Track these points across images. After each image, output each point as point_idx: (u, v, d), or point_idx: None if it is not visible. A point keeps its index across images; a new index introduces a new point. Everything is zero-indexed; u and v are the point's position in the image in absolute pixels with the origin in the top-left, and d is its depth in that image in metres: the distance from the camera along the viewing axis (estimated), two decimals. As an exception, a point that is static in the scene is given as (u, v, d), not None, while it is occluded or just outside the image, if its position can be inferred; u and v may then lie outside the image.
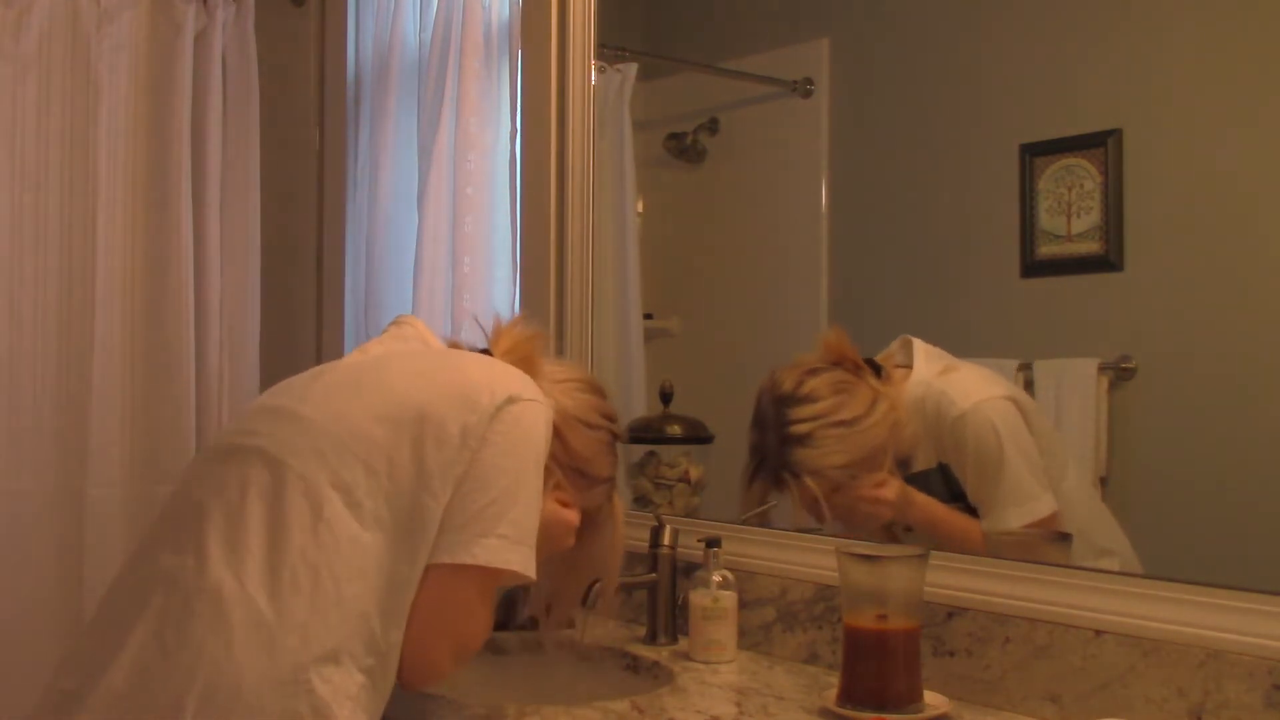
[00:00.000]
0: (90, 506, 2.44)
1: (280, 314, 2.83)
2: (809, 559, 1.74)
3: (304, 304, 2.87)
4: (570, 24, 2.19)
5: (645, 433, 2.08)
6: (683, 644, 1.80)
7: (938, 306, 1.79)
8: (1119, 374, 1.57)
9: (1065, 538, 1.58)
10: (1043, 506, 1.61)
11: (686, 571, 1.83)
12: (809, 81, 2.01)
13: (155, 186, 2.55)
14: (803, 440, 1.71)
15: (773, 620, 1.78)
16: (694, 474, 2.07)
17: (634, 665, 1.77)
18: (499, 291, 2.38)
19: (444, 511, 1.27)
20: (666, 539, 1.86)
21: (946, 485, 1.68)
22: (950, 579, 1.55)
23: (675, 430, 2.07)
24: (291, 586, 1.20)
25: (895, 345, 1.76)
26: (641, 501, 2.08)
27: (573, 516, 1.49)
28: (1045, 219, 1.64)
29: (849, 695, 1.44)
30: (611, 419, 1.56)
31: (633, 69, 2.26)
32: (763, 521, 1.83)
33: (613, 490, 1.59)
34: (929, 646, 1.54)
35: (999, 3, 1.77)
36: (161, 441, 2.52)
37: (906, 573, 1.44)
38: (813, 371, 1.74)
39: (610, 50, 2.22)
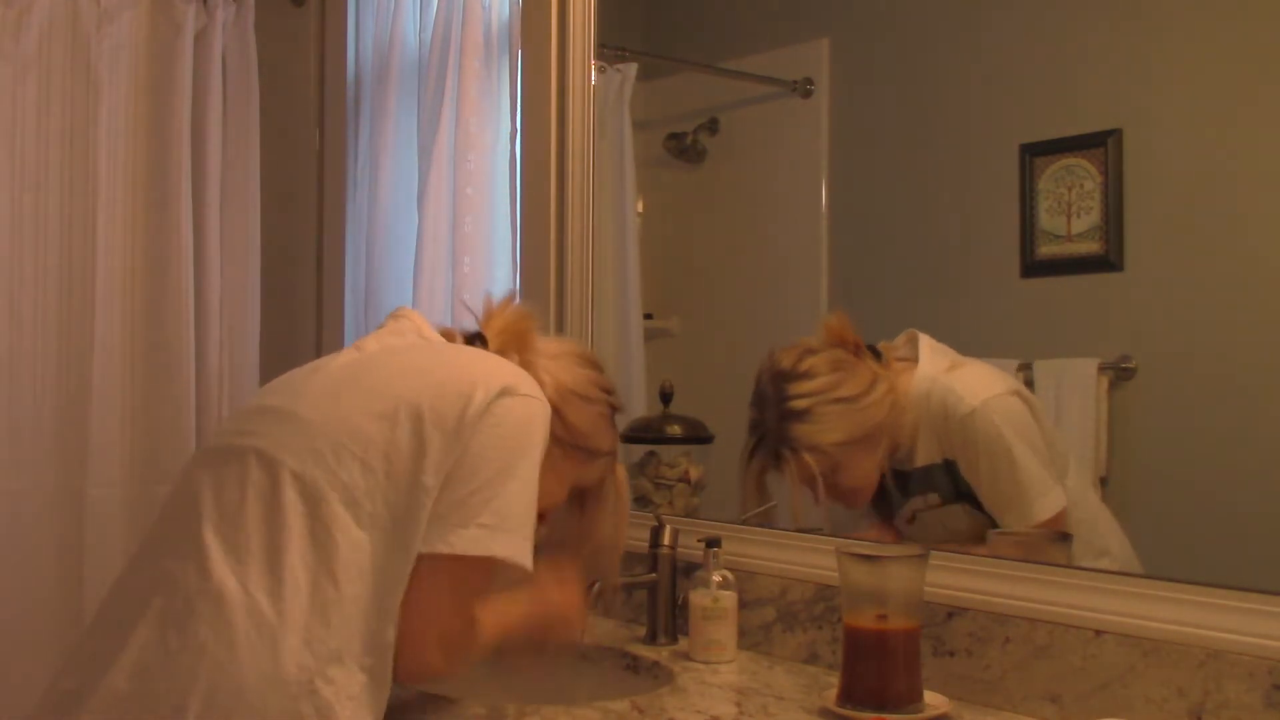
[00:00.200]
0: (90, 506, 2.45)
1: (280, 314, 2.83)
2: (809, 559, 1.74)
3: (304, 304, 2.87)
4: (570, 24, 2.19)
5: (645, 433, 2.08)
6: (683, 644, 1.80)
7: (938, 306, 1.79)
8: (1119, 374, 1.57)
9: (1065, 538, 1.58)
10: (1059, 499, 1.61)
11: (686, 571, 1.83)
12: (809, 81, 2.01)
13: (155, 186, 2.55)
14: (801, 415, 1.71)
15: (773, 620, 1.78)
16: (694, 474, 2.07)
17: (634, 665, 1.77)
18: (499, 292, 2.38)
19: (434, 502, 1.27)
20: (666, 539, 1.86)
21: (952, 482, 1.68)
22: (950, 579, 1.55)
23: (675, 430, 2.07)
24: (292, 587, 1.20)
25: (901, 339, 1.75)
26: (641, 501, 2.08)
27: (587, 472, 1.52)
28: (1045, 219, 1.64)
29: (849, 695, 1.44)
30: (609, 391, 1.56)
31: (633, 69, 2.26)
32: (763, 521, 1.83)
33: (614, 462, 1.59)
34: (929, 646, 1.54)
35: (999, 3, 1.77)
36: (161, 441, 2.52)
37: (906, 573, 1.44)
38: (812, 350, 1.74)
39: (610, 50, 2.22)
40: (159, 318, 2.54)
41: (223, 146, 2.65)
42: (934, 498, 1.71)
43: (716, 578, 1.76)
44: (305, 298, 2.87)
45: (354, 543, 1.23)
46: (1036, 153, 1.66)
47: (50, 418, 2.45)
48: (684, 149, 2.22)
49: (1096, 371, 1.58)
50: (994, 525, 1.64)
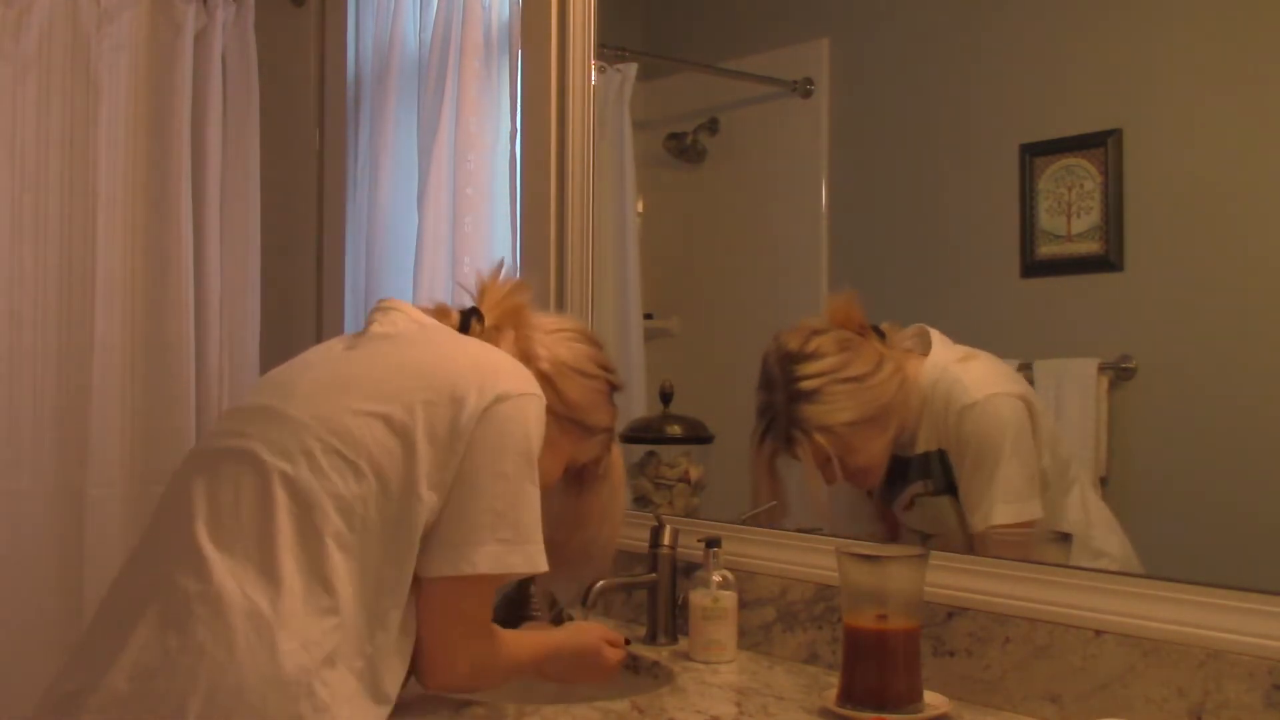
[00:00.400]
0: (90, 506, 2.45)
1: (280, 313, 2.83)
2: (809, 559, 1.74)
3: (304, 304, 2.87)
4: (570, 24, 2.19)
5: (645, 433, 2.08)
6: (683, 644, 1.80)
7: (938, 306, 1.79)
8: (1119, 374, 1.57)
9: (1065, 538, 1.58)
10: (1028, 510, 1.61)
11: (686, 571, 1.83)
12: (809, 81, 2.01)
13: (155, 186, 2.55)
14: (811, 396, 1.70)
15: (773, 620, 1.78)
16: (694, 474, 2.07)
17: (634, 665, 1.77)
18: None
19: (440, 517, 1.27)
20: (666, 539, 1.86)
21: (944, 472, 1.68)
22: (950, 579, 1.55)
23: (675, 430, 2.06)
24: (288, 590, 1.21)
25: (910, 330, 1.75)
26: (641, 501, 2.08)
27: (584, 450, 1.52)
28: (1045, 219, 1.64)
29: (849, 695, 1.44)
30: (608, 369, 1.55)
31: (633, 69, 2.26)
32: (764, 521, 1.83)
33: (611, 441, 1.59)
34: (929, 646, 1.54)
35: (999, 2, 1.76)
36: (161, 441, 2.52)
37: (906, 573, 1.44)
38: (818, 331, 1.74)
39: (610, 50, 2.22)
40: (159, 317, 2.55)
41: (223, 146, 2.66)
42: (927, 486, 1.70)
43: (716, 578, 1.75)
44: (305, 297, 2.87)
45: (345, 547, 1.24)
46: (1036, 153, 1.65)
47: (50, 418, 2.45)
48: (684, 149, 2.22)
49: (1096, 371, 1.58)
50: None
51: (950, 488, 1.67)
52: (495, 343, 1.46)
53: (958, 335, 1.72)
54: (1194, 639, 1.33)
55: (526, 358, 1.46)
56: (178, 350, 2.55)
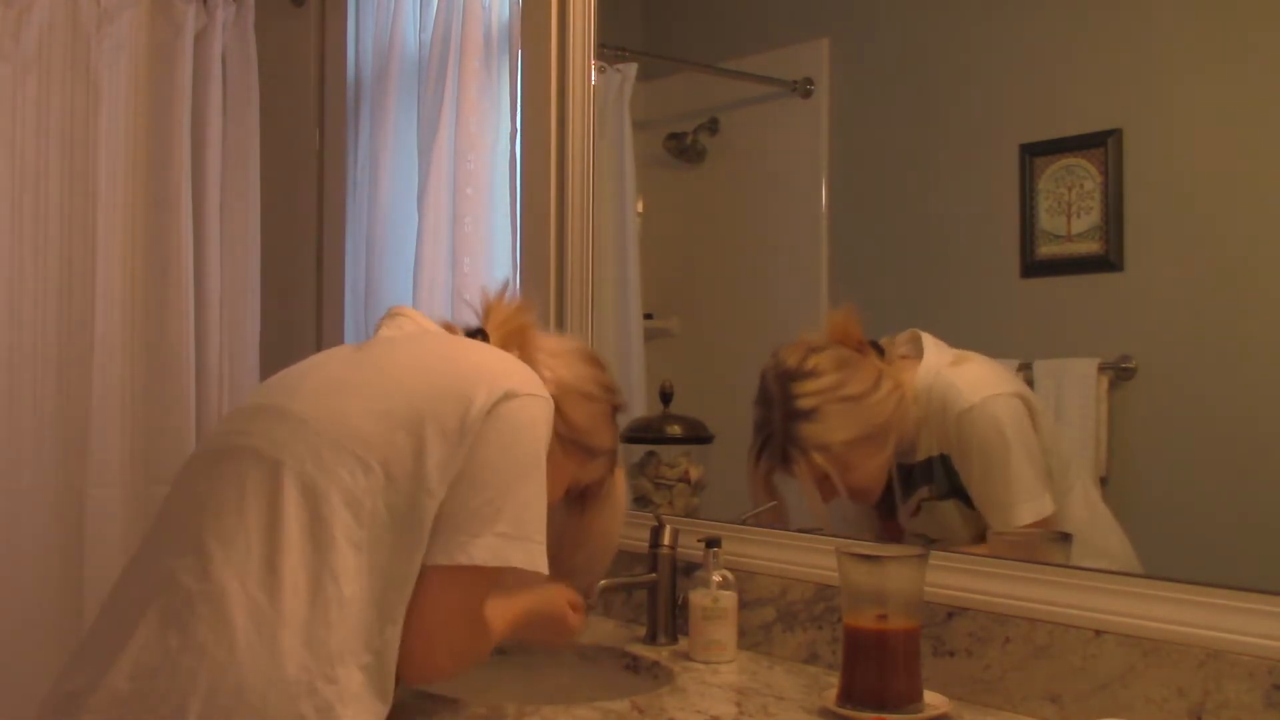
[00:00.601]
0: (90, 506, 2.45)
1: (280, 314, 2.83)
2: (809, 559, 1.74)
3: (304, 304, 2.87)
4: (570, 24, 2.19)
5: (645, 433, 2.08)
6: (683, 644, 1.80)
7: (937, 306, 1.79)
8: (1119, 374, 1.57)
9: (1065, 537, 1.58)
10: (1045, 506, 1.61)
11: (686, 571, 1.82)
12: (809, 81, 2.01)
13: (155, 186, 2.55)
14: (809, 415, 1.70)
15: (773, 620, 1.78)
16: (694, 474, 2.07)
17: (634, 665, 1.77)
18: (495, 284, 2.37)
19: (441, 509, 1.27)
20: (666, 539, 1.86)
21: (947, 476, 1.68)
22: (950, 579, 1.55)
23: (675, 430, 2.06)
24: (292, 587, 1.20)
25: (904, 336, 1.75)
26: (641, 501, 2.08)
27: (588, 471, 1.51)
28: (1045, 219, 1.64)
29: (849, 695, 1.44)
30: (611, 390, 1.55)
31: (633, 69, 2.26)
32: (766, 521, 1.83)
33: (614, 463, 1.59)
34: (929, 646, 1.54)
35: (999, 3, 1.76)
36: (161, 441, 2.52)
37: (906, 573, 1.44)
38: (816, 349, 1.74)
39: (610, 50, 2.22)
40: (159, 318, 2.55)
41: (223, 146, 2.66)
42: (931, 490, 1.71)
43: (716, 578, 1.75)
44: (305, 297, 2.87)
45: (354, 542, 1.23)
46: (1036, 153, 1.66)
47: (50, 418, 2.45)
48: (684, 149, 2.22)
49: (1096, 371, 1.58)
50: (983, 523, 1.64)
51: (954, 491, 1.67)
52: None
53: (958, 335, 1.72)
54: (1194, 639, 1.33)
55: None
56: (178, 350, 2.55)
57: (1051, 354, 1.64)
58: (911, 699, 1.43)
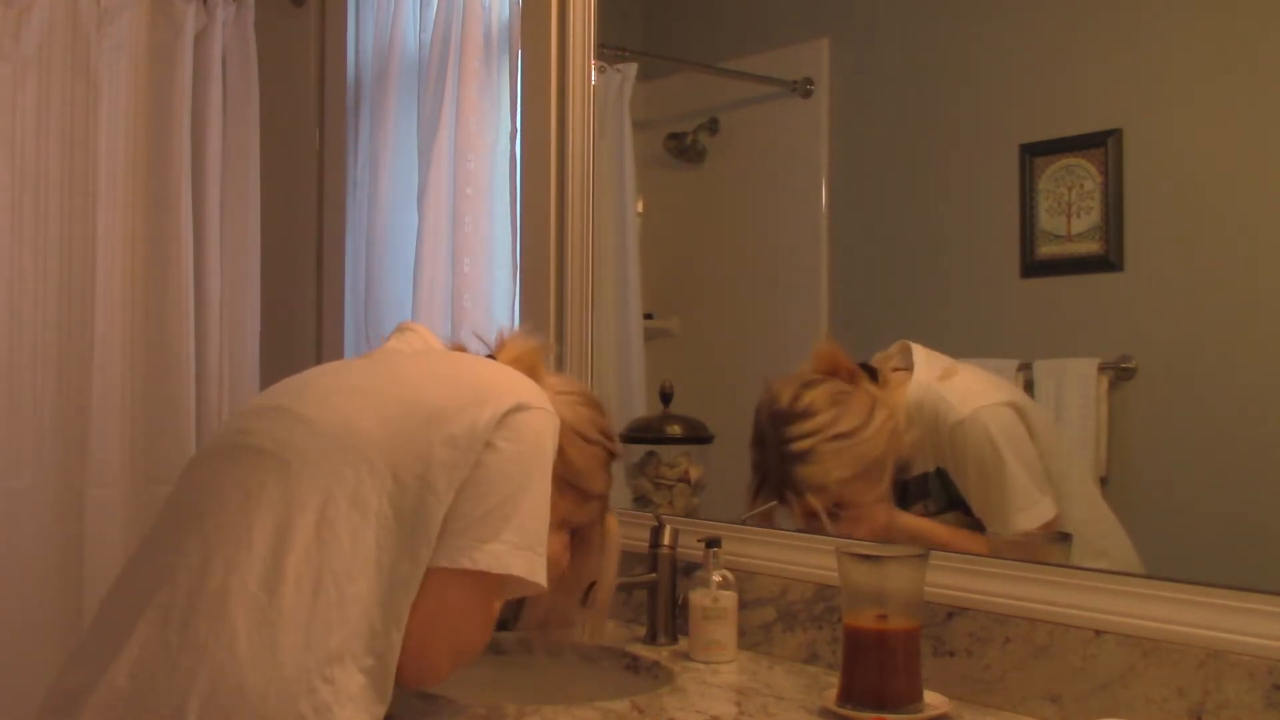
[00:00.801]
0: (90, 506, 2.45)
1: (280, 314, 2.83)
2: (809, 559, 1.74)
3: (304, 304, 2.87)
4: (570, 24, 2.19)
5: (645, 433, 2.08)
6: (683, 644, 1.80)
7: (938, 306, 1.79)
8: (1119, 374, 1.57)
9: (1065, 538, 1.58)
10: (1045, 511, 1.61)
11: (686, 571, 1.83)
12: (809, 81, 2.01)
13: (155, 186, 2.55)
14: (803, 458, 1.71)
15: (773, 620, 1.78)
16: (694, 474, 2.07)
17: (634, 665, 1.77)
18: (499, 292, 2.38)
19: (447, 514, 1.27)
20: (666, 539, 1.86)
21: (945, 489, 1.68)
22: (950, 579, 1.55)
23: (675, 430, 2.07)
24: (295, 586, 1.20)
25: (894, 349, 1.75)
26: (641, 501, 2.08)
27: (561, 552, 1.49)
28: (1045, 219, 1.64)
29: (849, 695, 1.44)
30: (609, 436, 1.55)
31: (633, 69, 2.26)
32: (764, 521, 1.83)
33: (605, 509, 1.59)
34: (929, 646, 1.54)
35: (999, 2, 1.76)
36: (161, 441, 2.52)
37: (906, 573, 1.44)
38: (809, 384, 1.74)
39: (610, 50, 2.22)
40: (159, 318, 2.55)
41: (223, 146, 2.66)
42: (929, 505, 1.71)
43: (716, 578, 1.75)
44: (305, 298, 2.87)
45: (360, 542, 1.23)
46: (1036, 153, 1.65)
47: (50, 418, 2.45)
48: (684, 149, 2.22)
49: (1096, 371, 1.58)
50: (984, 533, 1.64)
51: (952, 504, 1.67)
52: None
53: (958, 336, 1.72)
54: (1194, 639, 1.33)
55: None
56: (178, 350, 2.55)
57: (1051, 354, 1.64)
58: (911, 699, 1.43)
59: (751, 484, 1.81)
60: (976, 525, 1.65)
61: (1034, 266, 1.66)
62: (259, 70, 2.71)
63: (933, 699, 1.45)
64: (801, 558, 1.76)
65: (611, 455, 1.56)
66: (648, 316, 2.27)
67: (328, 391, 1.36)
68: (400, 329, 1.52)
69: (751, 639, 1.79)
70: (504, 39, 2.39)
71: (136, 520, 2.44)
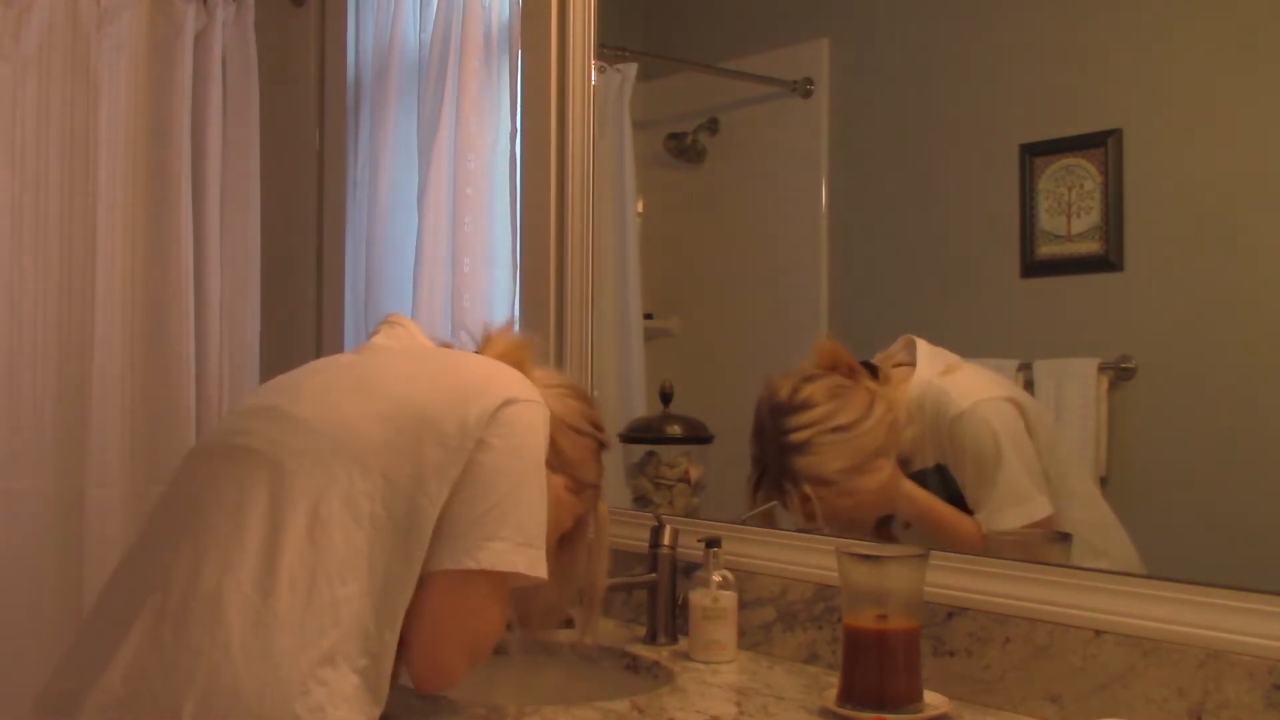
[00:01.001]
0: (90, 506, 2.45)
1: (280, 315, 2.83)
2: (809, 559, 1.74)
3: (304, 304, 2.87)
4: (570, 24, 2.19)
5: (645, 433, 2.08)
6: (683, 644, 1.80)
7: (938, 306, 1.79)
8: (1119, 374, 1.57)
9: (1065, 537, 1.58)
10: (1038, 509, 1.61)
11: (686, 571, 1.83)
12: (809, 81, 2.01)
13: (155, 186, 2.55)
14: (801, 448, 1.71)
15: (773, 620, 1.78)
16: (694, 474, 2.07)
17: (634, 665, 1.77)
18: (499, 292, 2.38)
19: (443, 515, 1.27)
20: (666, 539, 1.86)
21: (944, 485, 1.68)
22: (950, 579, 1.55)
23: (675, 430, 2.07)
24: (288, 587, 1.20)
25: (898, 344, 1.76)
26: (641, 501, 2.08)
27: (575, 503, 1.49)
28: (1045, 219, 1.64)
29: (849, 695, 1.44)
30: (598, 427, 1.56)
31: (633, 69, 2.26)
32: (764, 522, 1.83)
33: (597, 498, 1.59)
34: (929, 646, 1.54)
35: (999, 3, 1.76)
36: (161, 441, 2.52)
37: (906, 573, 1.44)
38: (808, 378, 1.74)
39: (610, 50, 2.22)
40: (159, 318, 2.55)
41: (223, 146, 2.66)
42: None
43: (716, 578, 1.75)
44: (305, 298, 2.88)
45: (353, 544, 1.23)
46: (1036, 153, 1.65)
47: (50, 418, 2.45)
48: (684, 149, 2.22)
49: (1096, 371, 1.58)
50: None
51: (951, 501, 1.67)
52: None
53: (958, 335, 1.72)
54: (1194, 639, 1.33)
55: None
56: (178, 350, 2.55)
57: (1051, 354, 1.64)
58: (911, 699, 1.43)
59: (751, 476, 1.81)
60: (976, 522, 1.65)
61: (1034, 266, 1.66)
62: (259, 70, 2.71)
63: (933, 699, 1.45)
64: (801, 558, 1.76)
65: (601, 445, 1.57)
66: (648, 316, 2.27)
67: (322, 390, 1.36)
68: (388, 322, 1.52)
69: (751, 639, 1.79)
70: (504, 39, 2.39)
71: (136, 520, 2.43)
